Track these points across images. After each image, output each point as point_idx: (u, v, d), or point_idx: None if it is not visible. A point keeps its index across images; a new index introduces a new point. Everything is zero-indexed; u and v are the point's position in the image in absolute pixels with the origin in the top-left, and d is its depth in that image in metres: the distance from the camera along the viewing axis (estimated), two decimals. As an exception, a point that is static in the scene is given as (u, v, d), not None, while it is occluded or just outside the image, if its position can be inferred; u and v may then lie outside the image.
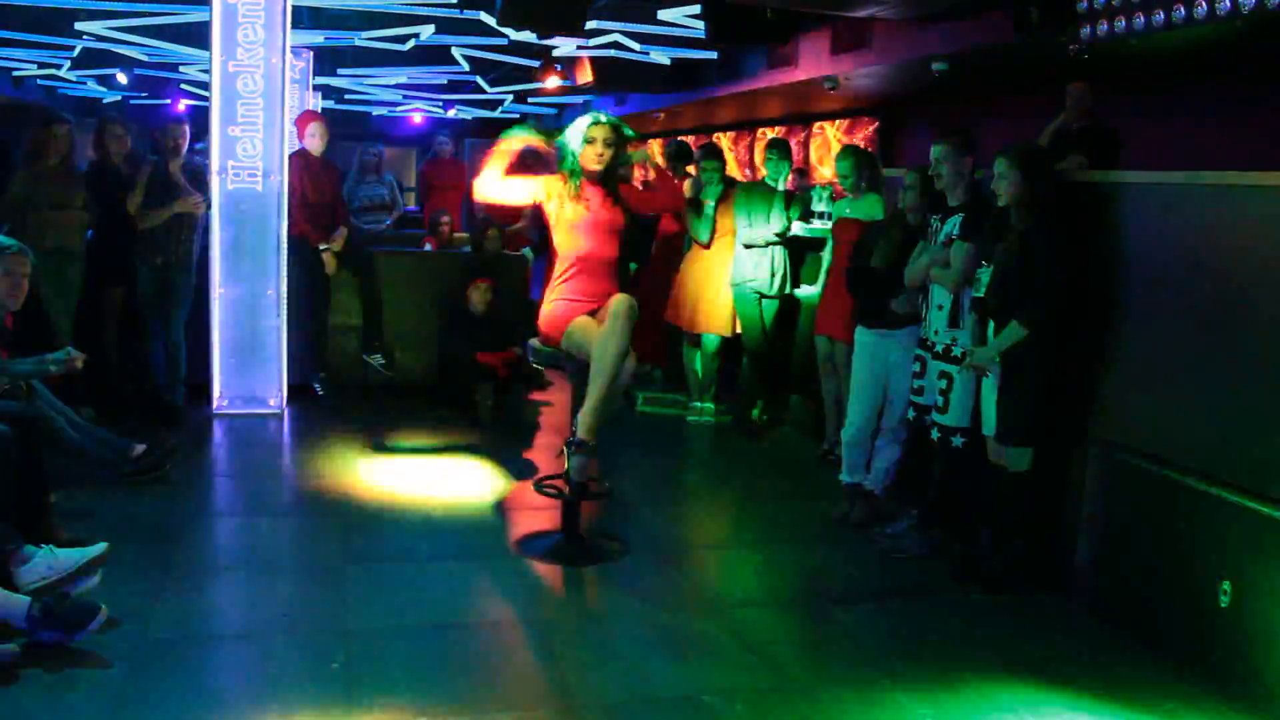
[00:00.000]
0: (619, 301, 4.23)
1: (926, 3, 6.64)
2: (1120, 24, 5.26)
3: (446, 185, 10.08)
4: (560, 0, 6.91)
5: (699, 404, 6.89)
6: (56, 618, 3.30)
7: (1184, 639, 3.65)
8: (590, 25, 8.23)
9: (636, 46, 9.44)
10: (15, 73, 13.10)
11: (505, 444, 6.18)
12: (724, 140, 14.04)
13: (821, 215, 7.03)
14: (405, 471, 5.57)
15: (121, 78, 12.28)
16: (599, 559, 4.43)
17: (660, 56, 9.99)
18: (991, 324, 4.19)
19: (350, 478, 5.39)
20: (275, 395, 6.51)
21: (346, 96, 15.19)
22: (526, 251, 8.06)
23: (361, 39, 10.06)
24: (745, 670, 3.53)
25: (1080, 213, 4.16)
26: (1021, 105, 8.39)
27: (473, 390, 6.60)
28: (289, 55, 6.47)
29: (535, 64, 10.78)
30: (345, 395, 6.86)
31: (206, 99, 6.46)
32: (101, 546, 3.73)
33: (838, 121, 11.75)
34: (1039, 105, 6.92)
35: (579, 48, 9.70)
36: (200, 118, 6.53)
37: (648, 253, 7.33)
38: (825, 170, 11.48)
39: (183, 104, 13.68)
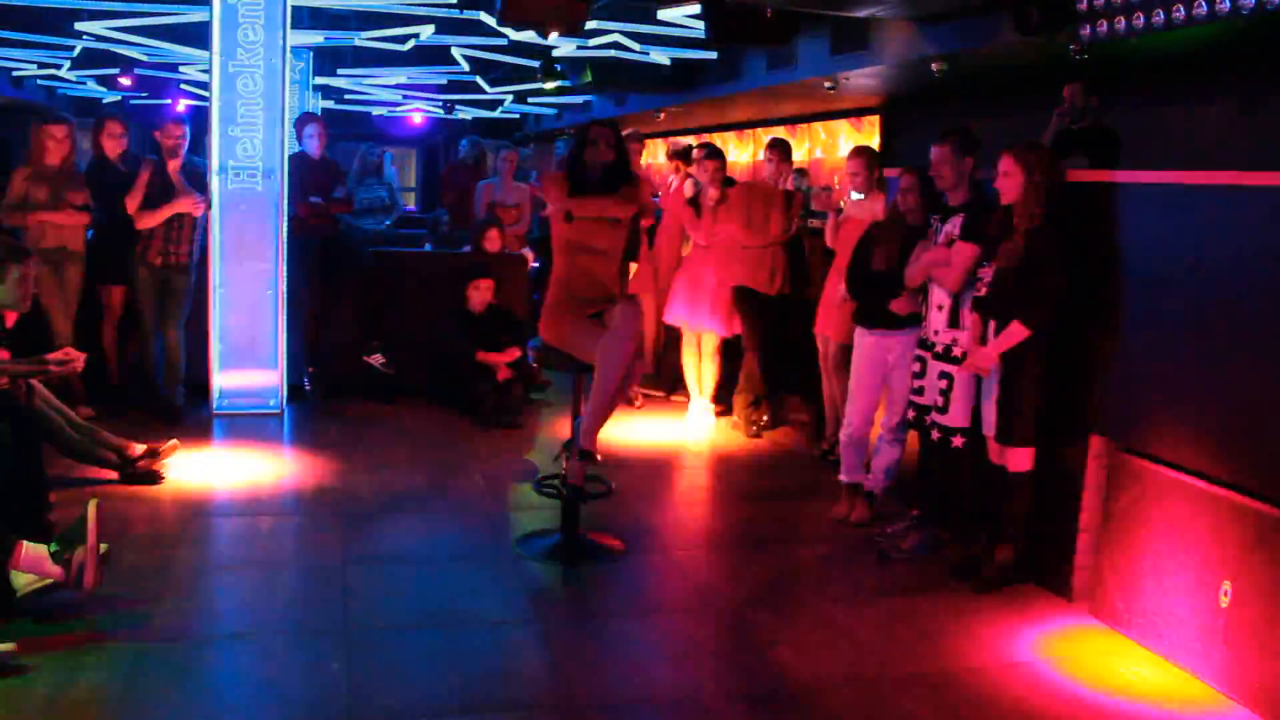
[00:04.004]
0: (625, 311, 4.20)
1: (926, 3, 6.64)
2: (1120, 24, 5.26)
3: (462, 187, 10.11)
4: (560, 0, 6.89)
5: (698, 404, 6.88)
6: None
7: (1184, 639, 3.65)
8: (590, 25, 8.23)
9: (636, 46, 9.43)
10: (15, 73, 13.09)
11: (505, 444, 6.19)
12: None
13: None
14: (405, 472, 5.57)
15: (125, 80, 12.27)
16: (599, 559, 4.44)
17: (660, 56, 9.98)
18: (992, 324, 4.19)
19: (350, 478, 5.40)
20: (275, 395, 6.51)
21: (346, 96, 15.19)
22: (526, 251, 8.05)
23: (361, 39, 10.06)
24: (745, 670, 3.53)
25: (1080, 213, 4.16)
26: (1021, 105, 8.37)
27: (473, 390, 6.60)
28: (289, 55, 6.47)
29: (535, 64, 10.78)
30: (345, 395, 6.85)
31: (206, 99, 6.46)
32: (101, 547, 3.72)
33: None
34: (1039, 105, 6.91)
35: (579, 48, 9.70)
36: (200, 118, 6.53)
37: (642, 249, 7.31)
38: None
39: (182, 104, 13.67)
